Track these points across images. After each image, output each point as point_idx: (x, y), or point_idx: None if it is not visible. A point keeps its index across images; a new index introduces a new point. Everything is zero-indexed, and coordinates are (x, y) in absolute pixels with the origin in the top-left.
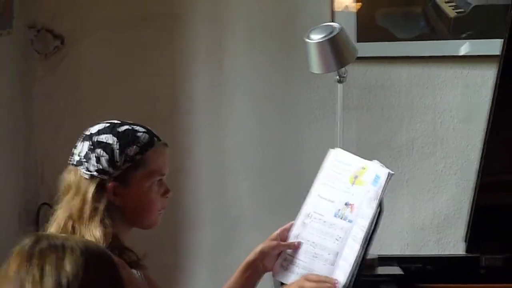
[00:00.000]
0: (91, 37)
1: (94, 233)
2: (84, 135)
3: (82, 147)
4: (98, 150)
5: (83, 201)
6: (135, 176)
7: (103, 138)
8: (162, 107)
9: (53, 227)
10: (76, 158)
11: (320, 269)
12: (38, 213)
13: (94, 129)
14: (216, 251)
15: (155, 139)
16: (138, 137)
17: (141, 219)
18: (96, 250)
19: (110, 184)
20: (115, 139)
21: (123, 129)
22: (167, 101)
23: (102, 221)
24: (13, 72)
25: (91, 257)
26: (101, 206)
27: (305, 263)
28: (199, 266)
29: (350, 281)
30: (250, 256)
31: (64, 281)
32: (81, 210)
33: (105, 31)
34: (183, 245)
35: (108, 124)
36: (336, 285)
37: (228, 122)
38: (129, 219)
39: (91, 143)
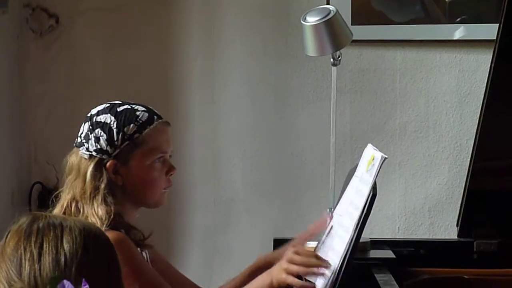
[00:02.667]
0: (85, 16)
1: (97, 211)
2: (86, 117)
3: (83, 129)
4: (97, 130)
5: (84, 181)
6: (134, 154)
7: (102, 118)
8: (155, 88)
9: (57, 209)
10: (78, 139)
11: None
12: (31, 192)
13: (94, 110)
14: (208, 234)
15: (155, 117)
16: (137, 115)
17: (145, 197)
18: (94, 231)
19: (109, 163)
20: (113, 118)
21: (121, 109)
22: (160, 83)
23: (104, 200)
24: (8, 50)
25: (89, 237)
26: (102, 185)
27: None
28: (192, 248)
29: (342, 264)
30: (259, 261)
31: (62, 259)
32: (83, 190)
33: (99, 11)
34: (175, 227)
35: (108, 105)
36: (325, 269)
37: (221, 104)
38: (133, 198)
39: (90, 124)
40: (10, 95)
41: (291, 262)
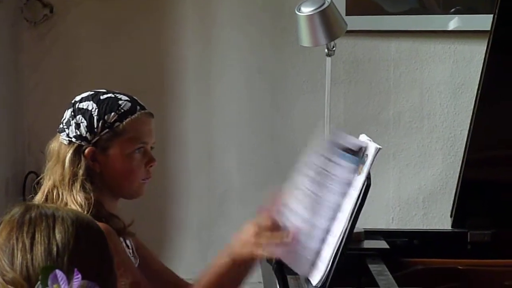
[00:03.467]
0: (80, 6)
1: (76, 198)
2: (69, 104)
3: (66, 115)
4: (78, 117)
5: (63, 166)
6: (113, 143)
7: (84, 105)
8: (150, 78)
9: (38, 195)
10: (60, 125)
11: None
12: (25, 182)
13: (78, 97)
14: (203, 225)
15: (138, 107)
16: (119, 104)
17: (122, 187)
18: (86, 221)
19: (87, 150)
20: (94, 105)
21: (104, 97)
22: (155, 72)
23: (82, 186)
24: (3, 40)
25: (81, 227)
26: (80, 171)
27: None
28: (186, 239)
29: (336, 254)
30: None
31: (54, 249)
32: (61, 175)
33: (94, 1)
34: (170, 218)
35: (92, 92)
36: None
37: (216, 95)
38: (111, 187)
39: (72, 110)
40: (4, 85)
41: (259, 235)
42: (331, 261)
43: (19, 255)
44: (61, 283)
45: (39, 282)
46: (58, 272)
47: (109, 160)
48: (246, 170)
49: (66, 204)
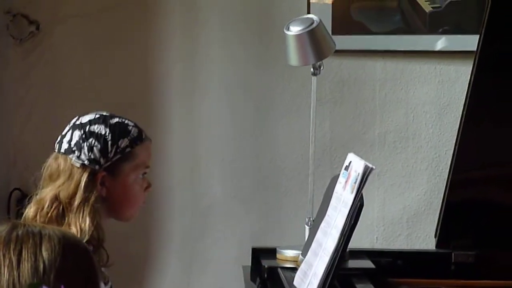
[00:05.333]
0: (66, 23)
1: (81, 222)
2: (73, 124)
3: (72, 136)
4: (91, 140)
5: (76, 189)
6: (123, 168)
7: (96, 128)
8: (135, 94)
9: (33, 207)
10: (65, 146)
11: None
12: (9, 198)
13: (84, 119)
14: (187, 240)
15: (143, 133)
16: (129, 130)
17: (123, 211)
18: (73, 239)
19: (100, 175)
20: (107, 130)
21: (114, 121)
22: (140, 89)
23: (90, 213)
24: None
25: (68, 245)
26: (92, 198)
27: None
28: (170, 255)
29: (329, 272)
30: None
31: (41, 266)
32: (71, 197)
33: (80, 18)
34: (153, 234)
35: (98, 115)
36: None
37: (201, 112)
38: (111, 210)
39: (82, 132)
40: None
41: None
42: (324, 279)
43: (6, 272)
44: None
45: None
46: None
47: (118, 185)
48: (229, 186)
49: (69, 225)
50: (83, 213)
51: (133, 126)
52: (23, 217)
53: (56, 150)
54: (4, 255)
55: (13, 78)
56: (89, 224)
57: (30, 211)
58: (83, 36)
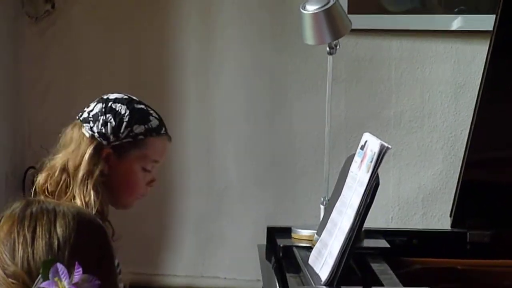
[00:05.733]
0: (81, 2)
1: (85, 195)
2: (101, 98)
3: (94, 107)
4: (108, 115)
5: (81, 159)
6: (130, 153)
7: (118, 106)
8: (150, 74)
9: (44, 174)
10: (85, 115)
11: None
12: (24, 177)
13: (112, 96)
14: (202, 221)
15: (163, 128)
16: (149, 120)
17: (120, 195)
18: (87, 216)
19: (106, 150)
20: (128, 112)
21: (139, 107)
22: (155, 70)
23: (94, 187)
24: (4, 35)
25: (82, 222)
26: (96, 172)
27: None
28: (185, 235)
29: (344, 251)
30: None
31: (55, 243)
32: (77, 167)
33: None
34: (169, 215)
35: (127, 97)
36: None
37: (217, 92)
38: (111, 192)
39: (104, 107)
40: (4, 80)
41: None
42: (339, 258)
43: (20, 249)
44: (61, 276)
45: (40, 276)
46: (59, 265)
47: (120, 167)
48: (245, 166)
49: (74, 197)
50: (87, 187)
51: (155, 118)
52: (35, 184)
53: (77, 118)
54: (18, 232)
55: (29, 57)
56: (94, 198)
57: (41, 177)
58: (98, 14)
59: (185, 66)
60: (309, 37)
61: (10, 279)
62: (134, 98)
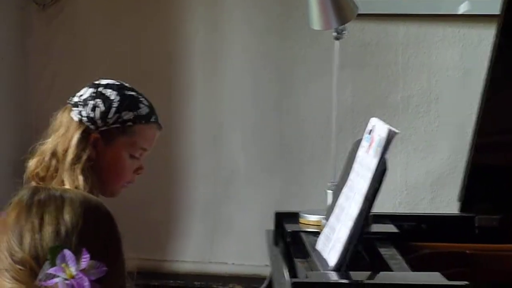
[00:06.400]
0: None
1: (74, 180)
2: (92, 83)
3: (85, 92)
4: (97, 100)
5: (69, 143)
6: (118, 140)
7: (108, 92)
8: (157, 61)
9: (35, 159)
10: (76, 99)
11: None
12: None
13: (104, 81)
14: (210, 206)
15: (153, 117)
16: (139, 107)
17: (107, 182)
18: (94, 202)
19: (93, 135)
20: (118, 98)
21: (129, 93)
22: (162, 57)
23: (83, 171)
24: (12, 23)
25: (89, 208)
26: (84, 156)
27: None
28: (193, 221)
29: (352, 236)
30: None
31: (62, 229)
32: (65, 152)
33: None
34: (177, 200)
35: (118, 83)
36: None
37: (224, 78)
38: (98, 178)
39: (94, 92)
40: (12, 67)
41: None
42: (347, 243)
43: (27, 235)
44: (69, 262)
45: (47, 261)
46: (67, 252)
47: (107, 153)
48: (252, 152)
49: (63, 181)
50: (75, 171)
51: (146, 105)
52: (26, 170)
53: (68, 102)
54: (26, 219)
55: (36, 45)
56: (82, 183)
57: (32, 162)
58: (105, 2)
59: (192, 54)
60: (316, 22)
61: (17, 266)
62: (126, 84)
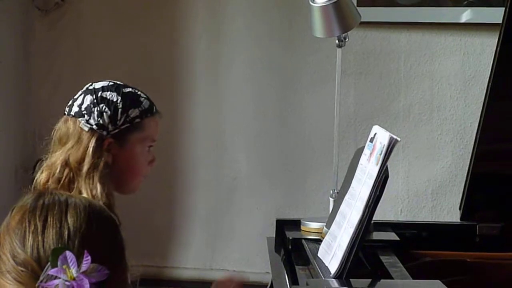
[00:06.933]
0: None
1: (92, 189)
2: (86, 89)
3: (84, 100)
4: (102, 105)
5: (84, 153)
6: (130, 138)
7: (108, 95)
8: (159, 67)
9: (44, 173)
10: (76, 109)
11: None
12: (34, 170)
13: (98, 85)
14: (212, 213)
15: (154, 107)
16: (141, 101)
17: (126, 181)
18: (99, 208)
19: (107, 141)
20: (119, 98)
21: (127, 91)
22: (165, 62)
23: (101, 179)
24: (14, 28)
25: (93, 213)
26: (101, 164)
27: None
28: (194, 228)
29: (354, 244)
30: None
31: (65, 232)
32: (80, 162)
33: None
34: (178, 207)
35: (112, 83)
36: None
37: (226, 86)
38: (116, 180)
39: (94, 97)
40: (15, 73)
41: None
42: (348, 250)
43: (30, 237)
44: (70, 264)
45: (49, 263)
46: (68, 253)
47: (123, 154)
48: (254, 159)
49: (80, 191)
50: (93, 179)
51: (145, 98)
52: (34, 182)
53: (66, 113)
54: (29, 221)
55: (39, 50)
56: (100, 191)
57: (42, 176)
58: (108, 7)
59: (195, 60)
60: (318, 30)
61: (19, 267)
62: (119, 82)
